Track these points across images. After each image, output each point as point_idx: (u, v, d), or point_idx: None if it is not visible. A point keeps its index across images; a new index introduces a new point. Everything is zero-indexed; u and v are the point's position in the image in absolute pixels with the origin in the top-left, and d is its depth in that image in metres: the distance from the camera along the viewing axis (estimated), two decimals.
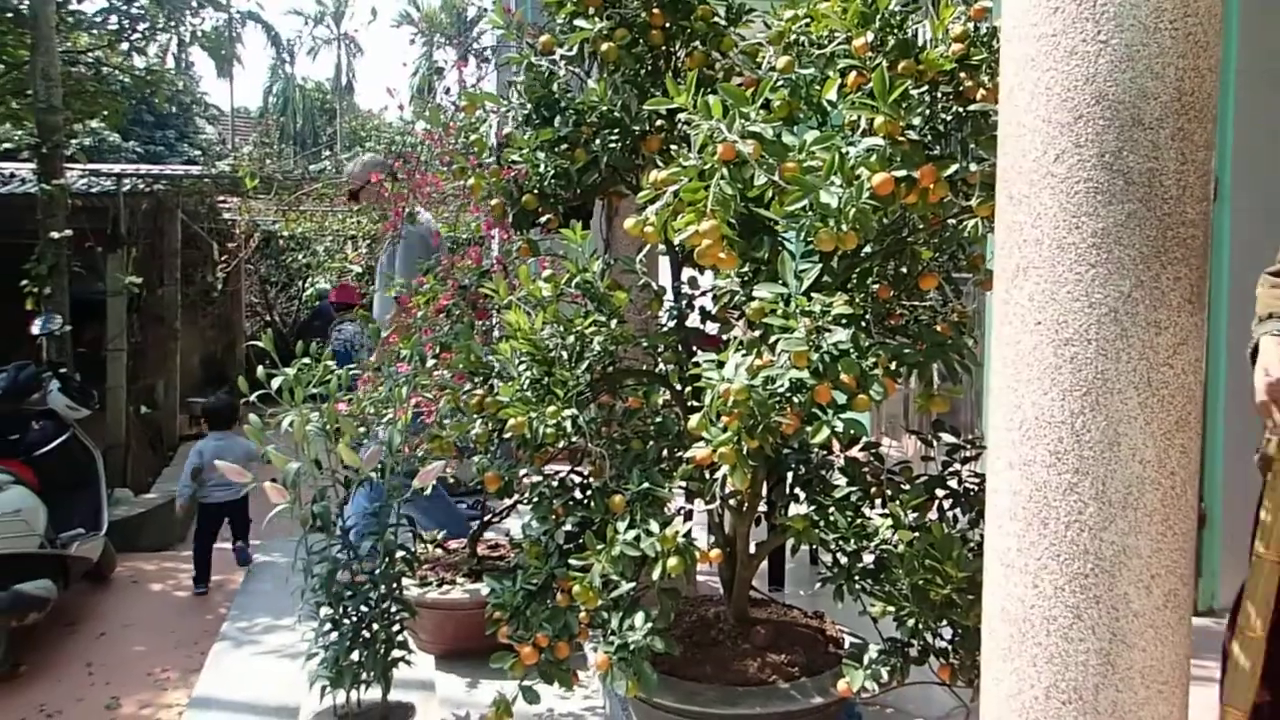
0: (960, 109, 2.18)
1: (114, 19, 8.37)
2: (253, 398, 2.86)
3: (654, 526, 2.24)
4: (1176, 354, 1.43)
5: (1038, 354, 1.46)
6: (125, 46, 8.78)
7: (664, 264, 3.26)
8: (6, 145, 11.07)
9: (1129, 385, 1.42)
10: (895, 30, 2.17)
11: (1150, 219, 1.40)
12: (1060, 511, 1.45)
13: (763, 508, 2.76)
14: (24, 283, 6.62)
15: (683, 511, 2.69)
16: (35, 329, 6.03)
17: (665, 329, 2.86)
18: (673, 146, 2.56)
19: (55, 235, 6.64)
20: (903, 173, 1.99)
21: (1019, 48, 1.50)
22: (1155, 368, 1.42)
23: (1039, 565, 1.47)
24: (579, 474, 2.74)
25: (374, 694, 2.75)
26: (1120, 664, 1.44)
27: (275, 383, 2.76)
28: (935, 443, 2.68)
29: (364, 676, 2.69)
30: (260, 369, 2.78)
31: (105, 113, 9.00)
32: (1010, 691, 1.53)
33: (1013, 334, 1.51)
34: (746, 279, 2.42)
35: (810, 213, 1.93)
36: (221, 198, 10.03)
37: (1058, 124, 1.43)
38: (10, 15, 7.46)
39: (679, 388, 2.76)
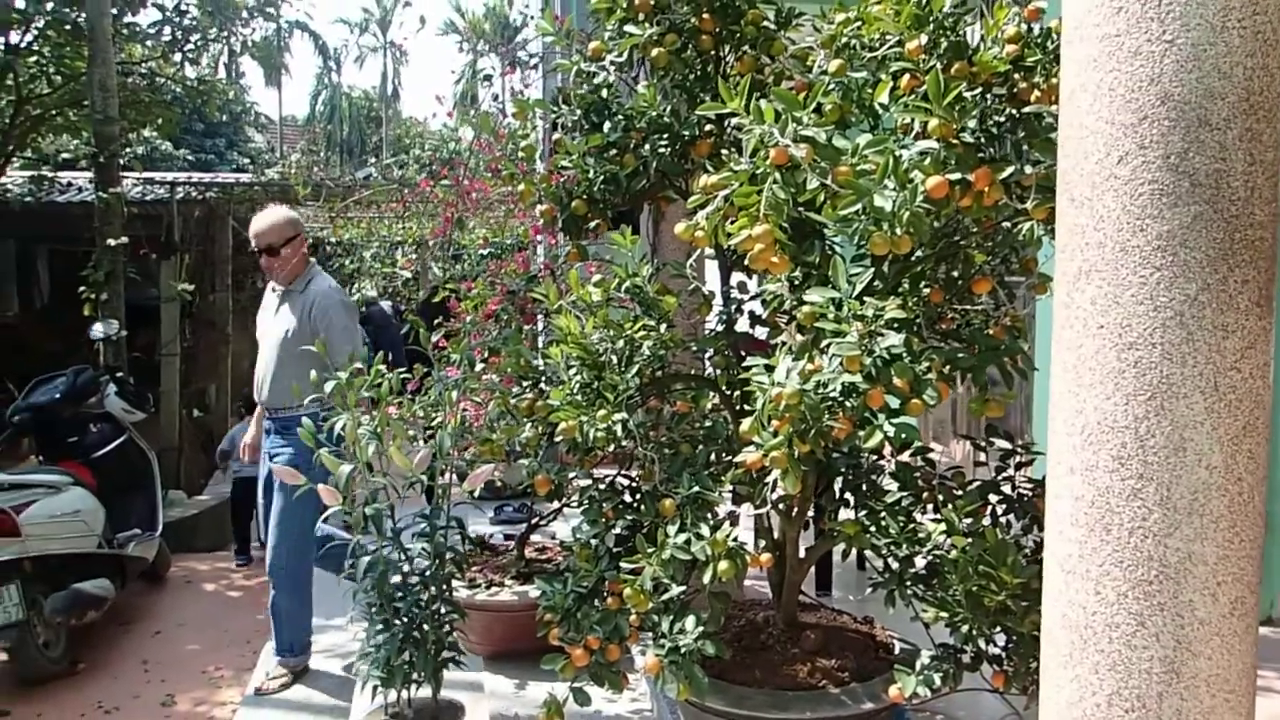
0: (1014, 111, 2.16)
1: (168, 30, 8.55)
2: (305, 401, 2.91)
3: (704, 530, 2.25)
4: (1244, 358, 1.40)
5: (1100, 358, 1.45)
6: (178, 57, 8.97)
7: (710, 268, 3.26)
8: (65, 155, 11.36)
9: (1195, 390, 1.39)
10: (948, 32, 2.16)
11: (1217, 221, 1.38)
12: (1123, 517, 1.43)
13: (810, 512, 2.76)
14: (82, 289, 6.80)
15: (730, 515, 2.69)
16: (92, 334, 6.18)
17: (714, 333, 2.86)
18: (722, 151, 2.57)
19: (112, 242, 6.80)
20: (957, 175, 1.98)
21: (1080, 49, 1.48)
22: (1222, 372, 1.40)
23: (1101, 571, 1.45)
24: (628, 478, 2.75)
25: (424, 694, 2.78)
26: (1185, 672, 1.42)
27: (327, 387, 2.80)
28: (988, 448, 2.65)
29: (415, 676, 2.72)
30: (312, 372, 2.83)
31: (159, 122, 9.20)
32: (1071, 699, 1.51)
33: (1074, 338, 1.49)
34: (796, 283, 2.41)
35: (864, 216, 1.93)
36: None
37: (1121, 125, 1.42)
38: (68, 28, 7.66)
39: (728, 392, 2.76)
